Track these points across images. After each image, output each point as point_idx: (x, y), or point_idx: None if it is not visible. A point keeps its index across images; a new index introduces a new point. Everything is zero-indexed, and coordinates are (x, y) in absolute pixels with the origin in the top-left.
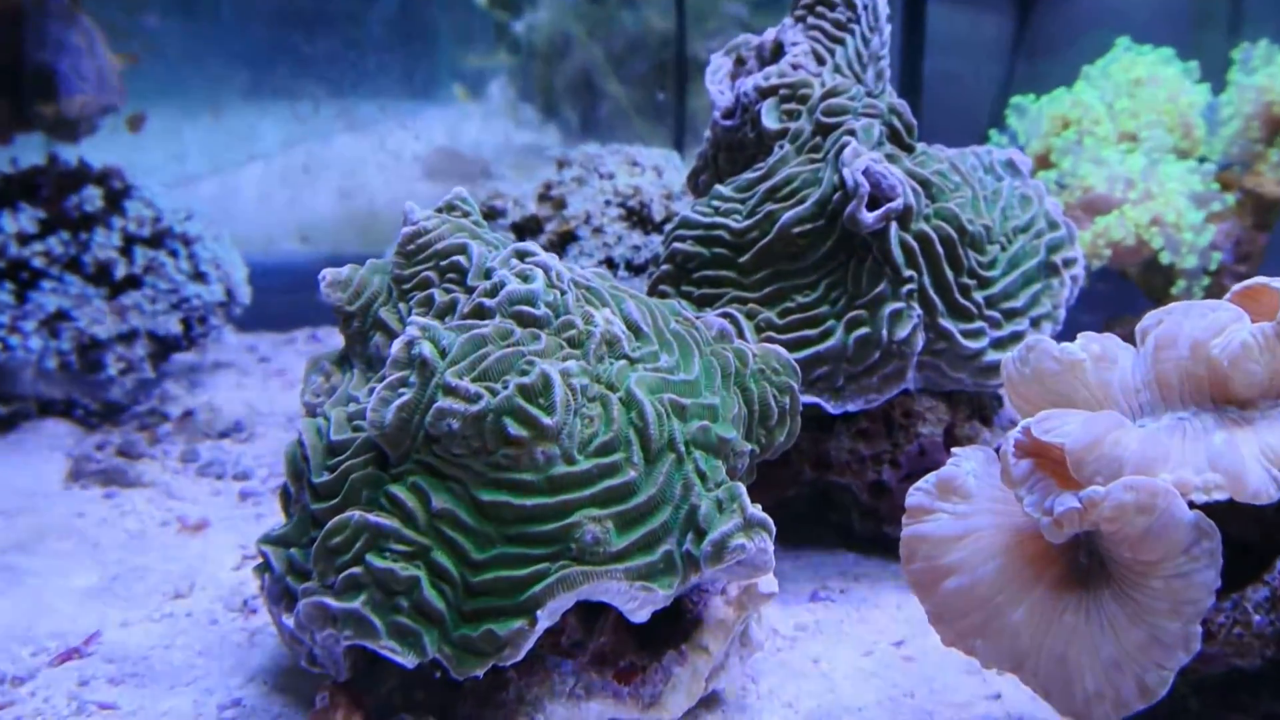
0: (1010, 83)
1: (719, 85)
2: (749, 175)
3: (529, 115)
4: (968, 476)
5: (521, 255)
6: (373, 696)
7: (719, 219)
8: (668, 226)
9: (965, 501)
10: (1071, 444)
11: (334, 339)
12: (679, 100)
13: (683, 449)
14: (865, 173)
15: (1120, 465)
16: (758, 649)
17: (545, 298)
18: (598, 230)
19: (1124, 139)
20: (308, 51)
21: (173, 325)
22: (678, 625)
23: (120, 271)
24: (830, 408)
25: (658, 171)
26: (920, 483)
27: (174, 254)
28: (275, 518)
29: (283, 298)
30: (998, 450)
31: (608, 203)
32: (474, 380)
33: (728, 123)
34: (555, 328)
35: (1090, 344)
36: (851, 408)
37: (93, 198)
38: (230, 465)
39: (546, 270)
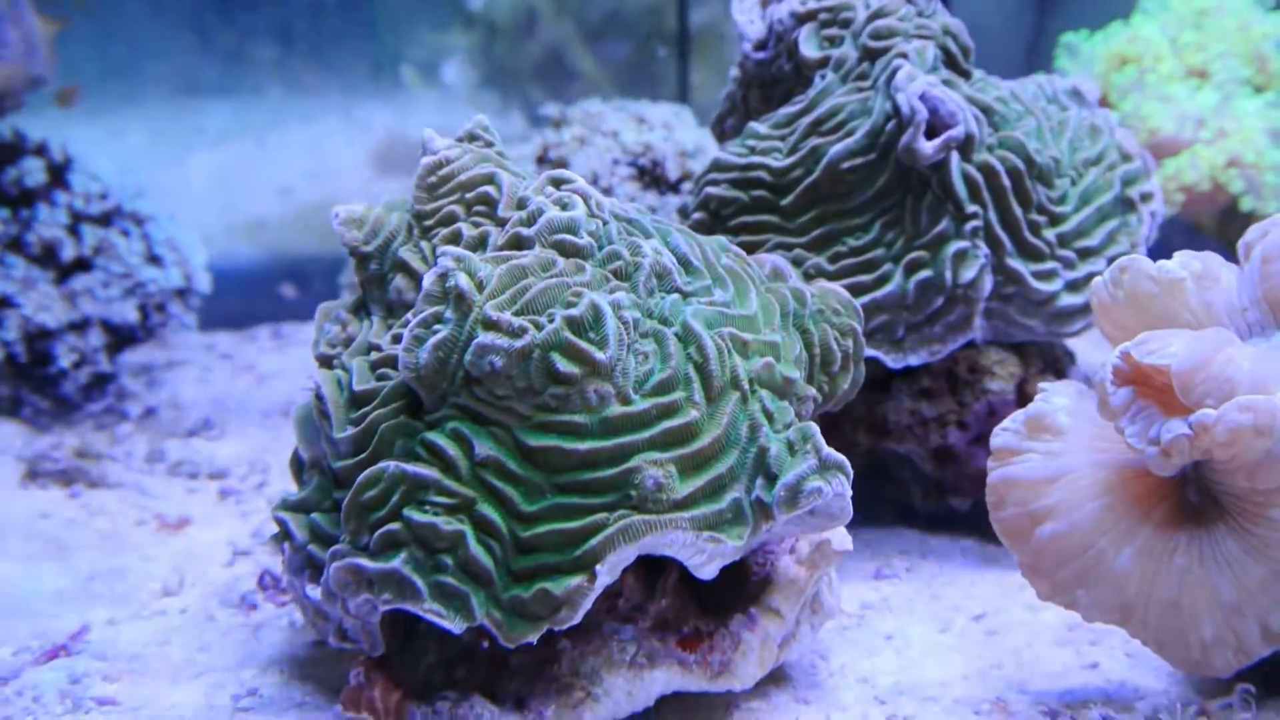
0: (1041, 28)
1: (748, 14)
2: (788, 109)
3: (490, 100)
4: (1058, 413)
5: (558, 182)
6: (410, 673)
7: (756, 158)
8: (697, 170)
9: (1058, 439)
10: (1178, 365)
11: (300, 335)
12: (681, 62)
13: (747, 387)
14: (922, 98)
15: (1232, 386)
16: (830, 616)
17: (588, 226)
18: (607, 191)
19: (1191, 75)
20: (242, 36)
21: (129, 313)
22: (742, 588)
23: (68, 253)
24: (890, 361)
25: (668, 128)
26: (1006, 422)
27: (125, 234)
28: (261, 515)
29: (231, 297)
30: (1088, 383)
31: (616, 162)
32: (516, 314)
33: (760, 55)
34: (600, 258)
35: (1190, 261)
36: (913, 361)
37: (34, 170)
38: (204, 464)
39: (586, 198)
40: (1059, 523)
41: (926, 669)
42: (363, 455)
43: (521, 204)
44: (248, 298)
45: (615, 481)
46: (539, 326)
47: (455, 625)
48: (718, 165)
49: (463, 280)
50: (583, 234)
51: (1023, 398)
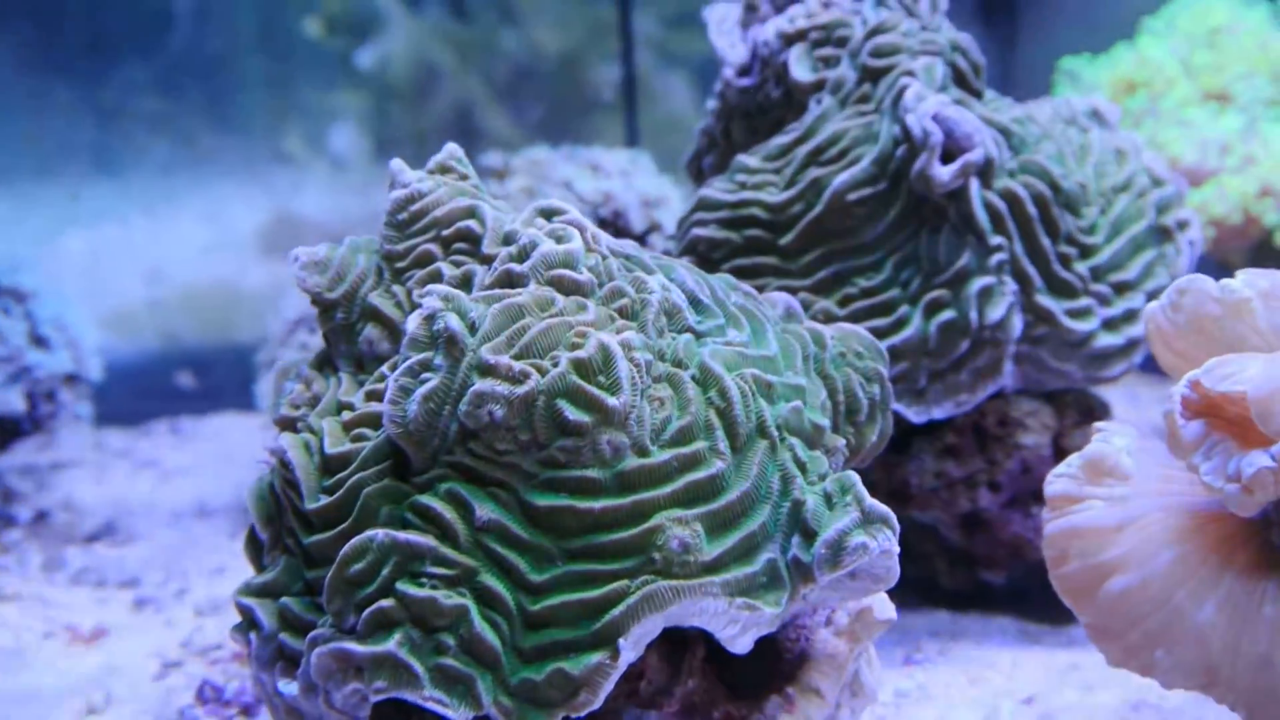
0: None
1: (728, 37)
2: (781, 139)
3: (385, 171)
4: (1120, 453)
5: (548, 214)
6: None
7: (749, 194)
8: (664, 220)
9: (1122, 483)
10: (1255, 391)
11: (202, 429)
12: (628, 107)
13: (775, 434)
14: (935, 118)
15: None
16: (871, 699)
17: (586, 261)
18: None
19: (1209, 98)
20: (102, 108)
21: (14, 402)
22: (775, 667)
23: None
24: (912, 415)
25: (625, 175)
26: (1061, 467)
27: (5, 312)
28: (188, 624)
29: (115, 391)
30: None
31: None
32: (516, 358)
33: (744, 81)
34: (602, 296)
35: (1256, 279)
36: (938, 414)
37: None
38: (111, 571)
39: (582, 230)
40: (1130, 576)
41: None
42: (343, 526)
43: (509, 239)
44: (133, 391)
45: (636, 544)
46: (542, 371)
47: (460, 715)
48: (705, 204)
49: (453, 321)
50: (582, 269)
51: (1059, 453)
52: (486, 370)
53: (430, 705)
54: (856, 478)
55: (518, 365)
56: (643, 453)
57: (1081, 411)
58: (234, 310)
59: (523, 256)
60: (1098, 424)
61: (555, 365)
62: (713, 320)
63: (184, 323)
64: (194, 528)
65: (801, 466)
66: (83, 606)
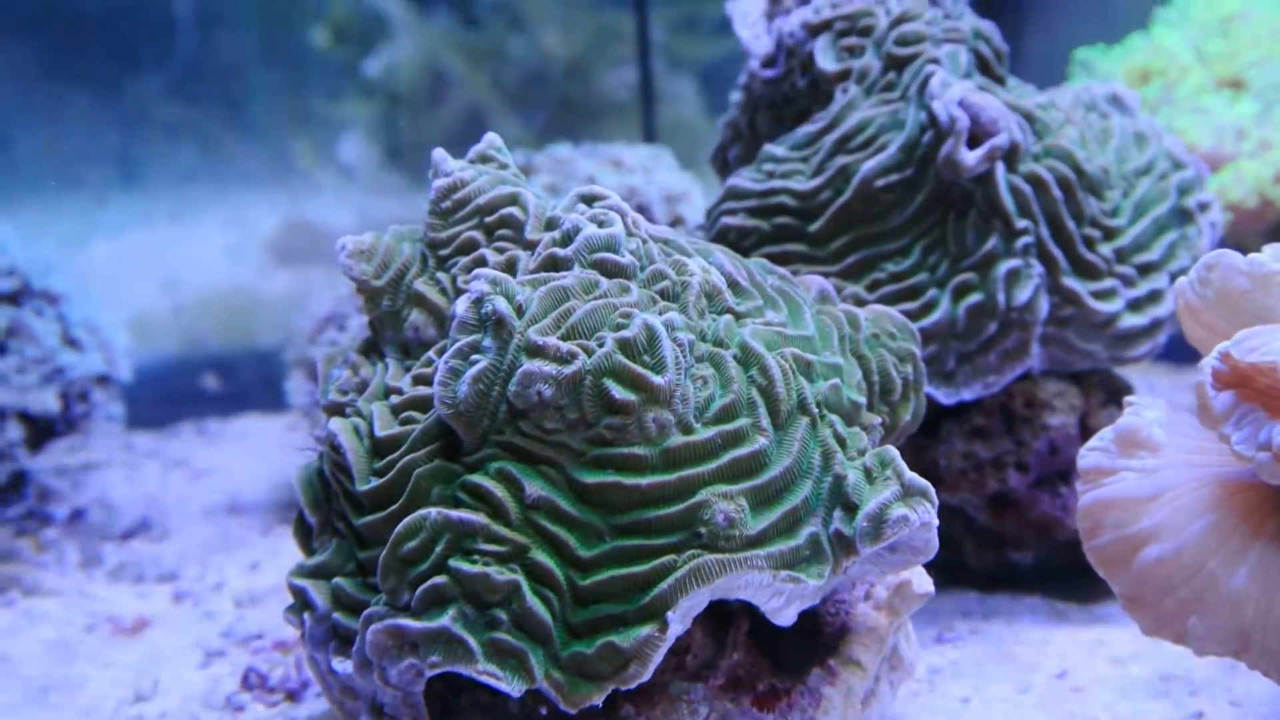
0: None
1: (753, 29)
2: (808, 129)
3: (396, 180)
4: (1152, 426)
5: (590, 199)
6: None
7: (778, 182)
8: (687, 215)
9: (1153, 455)
10: None
11: (227, 430)
12: (646, 106)
13: (816, 411)
14: (961, 104)
15: None
16: (909, 673)
17: (628, 245)
18: None
19: (1224, 85)
20: (117, 118)
21: (49, 402)
22: (816, 640)
23: None
24: (942, 397)
25: (647, 171)
26: (1093, 441)
27: (39, 314)
28: (228, 615)
29: (139, 395)
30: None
31: None
32: (562, 339)
33: (769, 72)
34: (644, 279)
35: None
36: (968, 395)
37: None
38: (149, 567)
39: (623, 215)
40: (1164, 545)
41: None
42: (394, 507)
43: (551, 224)
44: (156, 396)
45: (682, 519)
46: (589, 351)
47: (514, 688)
48: (733, 193)
49: (501, 304)
50: (624, 252)
51: (1086, 433)
52: (535, 351)
53: (484, 679)
54: (895, 452)
55: (565, 346)
56: (687, 430)
57: (1107, 392)
58: (250, 316)
59: (566, 241)
60: (1128, 398)
61: (601, 345)
62: (751, 302)
63: (202, 329)
64: (227, 524)
65: (841, 442)
66: (123, 600)
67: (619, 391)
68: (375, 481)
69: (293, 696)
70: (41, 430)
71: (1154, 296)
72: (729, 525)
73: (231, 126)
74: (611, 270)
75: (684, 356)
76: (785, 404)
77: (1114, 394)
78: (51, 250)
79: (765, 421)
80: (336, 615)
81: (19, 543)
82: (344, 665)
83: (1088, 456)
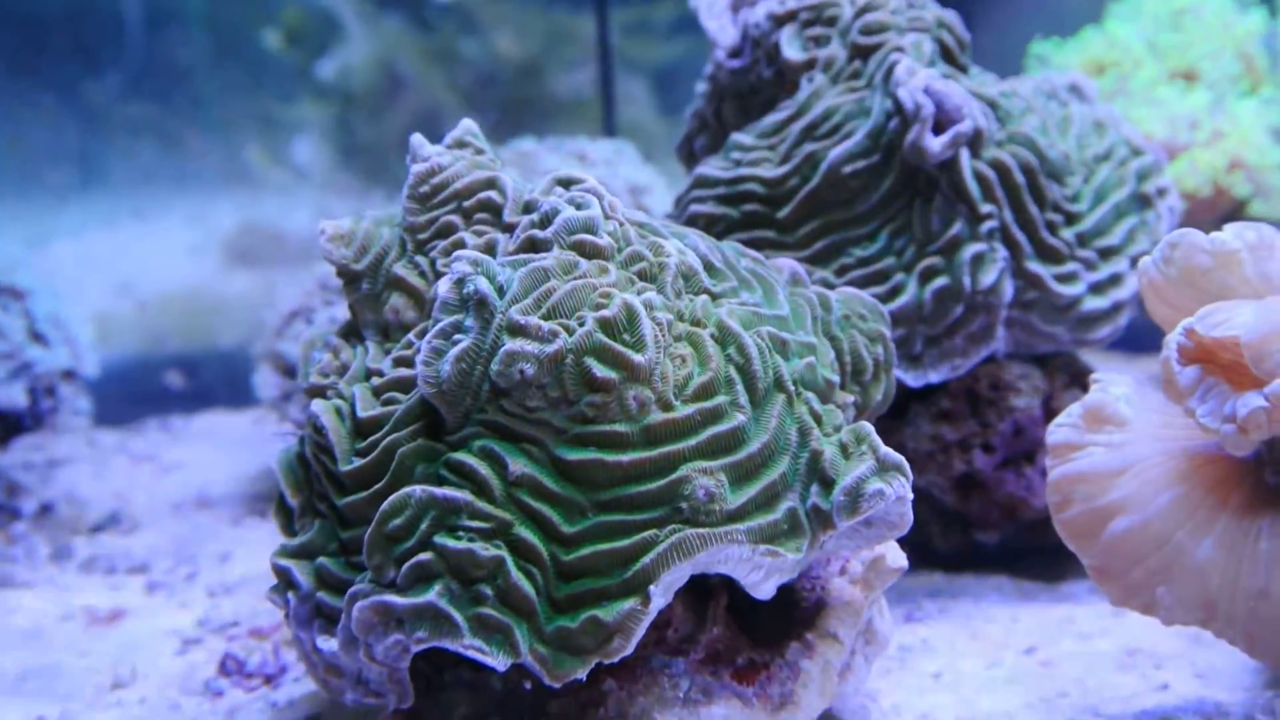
0: None
1: (719, 20)
2: (775, 117)
3: (350, 180)
4: (1119, 401)
5: (566, 183)
6: None
7: (745, 170)
8: (652, 207)
9: (1120, 430)
10: (1248, 335)
11: (190, 427)
12: (606, 103)
13: (792, 389)
14: (926, 91)
15: None
16: (884, 646)
17: (606, 226)
18: None
19: (1177, 77)
20: (67, 118)
21: (17, 396)
22: (792, 615)
23: None
24: (910, 380)
25: (611, 165)
26: (1061, 417)
27: (4, 309)
28: (202, 605)
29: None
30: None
31: None
32: (543, 318)
33: (735, 63)
34: (622, 260)
35: (1244, 232)
36: (934, 378)
37: None
38: (120, 559)
39: (599, 198)
40: (1131, 517)
41: (986, 703)
42: (378, 486)
43: (529, 207)
44: (116, 394)
45: (663, 494)
46: (570, 330)
47: (499, 662)
48: (702, 181)
49: (483, 285)
50: (602, 234)
51: (1049, 415)
52: (517, 330)
53: (470, 653)
54: (870, 428)
55: (547, 325)
56: (667, 407)
57: (1070, 375)
58: (209, 316)
59: (545, 223)
60: (1095, 375)
61: (582, 325)
62: (726, 283)
63: (162, 328)
64: (196, 517)
65: (817, 419)
66: (96, 591)
67: (600, 370)
68: (358, 462)
69: (270, 681)
70: (9, 425)
71: (1115, 280)
72: (709, 500)
73: (186, 128)
74: (590, 251)
75: (663, 335)
76: (762, 381)
77: (1077, 376)
78: (14, 247)
79: (743, 399)
80: (321, 594)
81: None
82: (329, 643)
83: (1056, 432)
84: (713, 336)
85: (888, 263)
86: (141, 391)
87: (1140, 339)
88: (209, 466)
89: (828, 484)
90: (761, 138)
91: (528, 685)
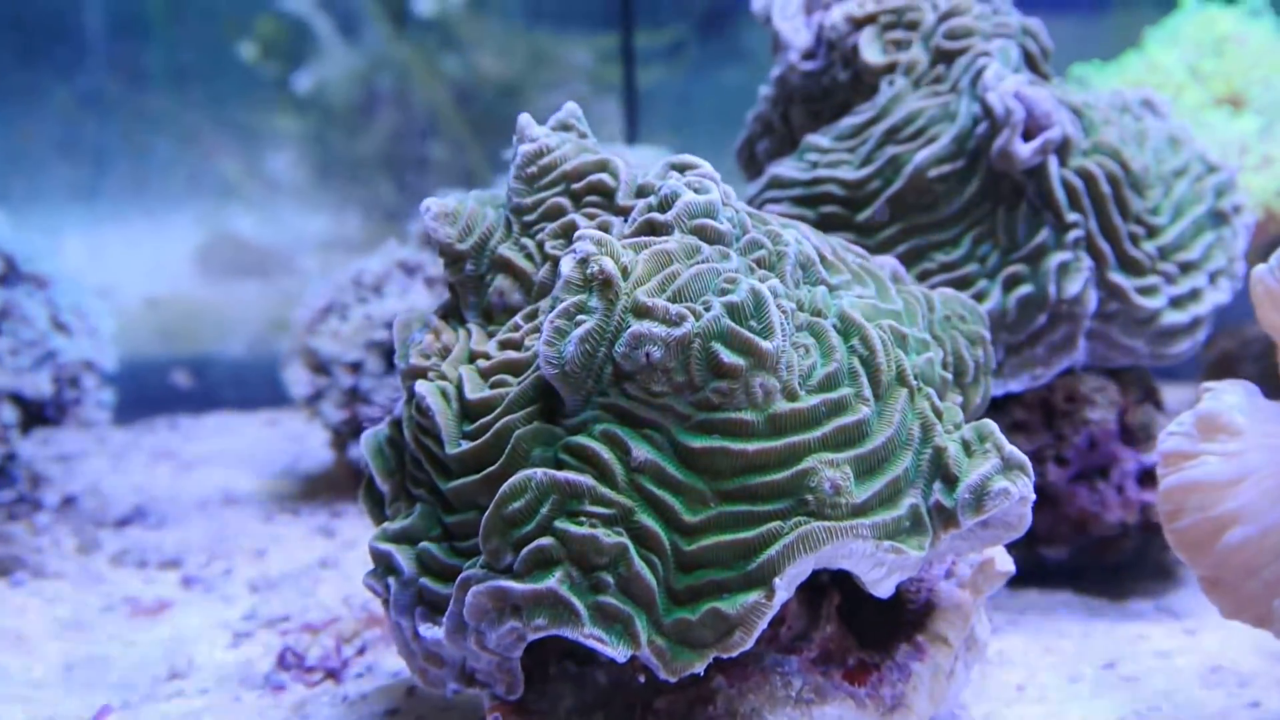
0: None
1: (791, 20)
2: (853, 120)
3: (324, 196)
4: (1233, 410)
5: (681, 167)
6: (548, 719)
7: (823, 172)
8: (750, 193)
9: (1234, 439)
10: None
11: (200, 428)
12: (629, 116)
13: (914, 383)
14: (1017, 97)
15: None
16: (983, 654)
17: (725, 213)
18: None
19: (1222, 102)
20: (39, 131)
21: (43, 385)
22: (899, 617)
23: None
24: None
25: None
26: (1172, 425)
27: (29, 297)
28: (245, 600)
29: None
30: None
31: None
32: (668, 302)
33: (809, 65)
34: (741, 246)
35: None
36: (1015, 387)
37: None
38: (152, 553)
39: (716, 183)
40: (1248, 528)
41: (1076, 715)
42: (491, 470)
43: (643, 191)
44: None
45: (788, 486)
46: (697, 315)
47: (619, 653)
48: (777, 182)
49: (608, 264)
50: (722, 219)
51: (1125, 429)
52: (643, 312)
53: (590, 643)
54: (994, 426)
55: (674, 308)
56: (792, 396)
57: (1143, 389)
58: (188, 322)
59: (665, 206)
60: (1206, 383)
61: (709, 309)
62: (840, 276)
63: (139, 337)
64: (224, 514)
65: (939, 414)
66: (131, 585)
67: (727, 355)
68: (466, 445)
69: (334, 675)
70: (31, 414)
71: (1195, 295)
72: (835, 493)
73: (156, 141)
74: (712, 236)
75: (787, 324)
76: (885, 374)
77: (1149, 392)
78: (39, 236)
79: (867, 391)
80: (424, 580)
81: (12, 527)
82: (432, 631)
83: (1169, 440)
84: (835, 327)
85: (971, 269)
86: (147, 391)
87: (1175, 369)
88: (230, 464)
89: (951, 481)
90: (839, 140)
91: (641, 679)
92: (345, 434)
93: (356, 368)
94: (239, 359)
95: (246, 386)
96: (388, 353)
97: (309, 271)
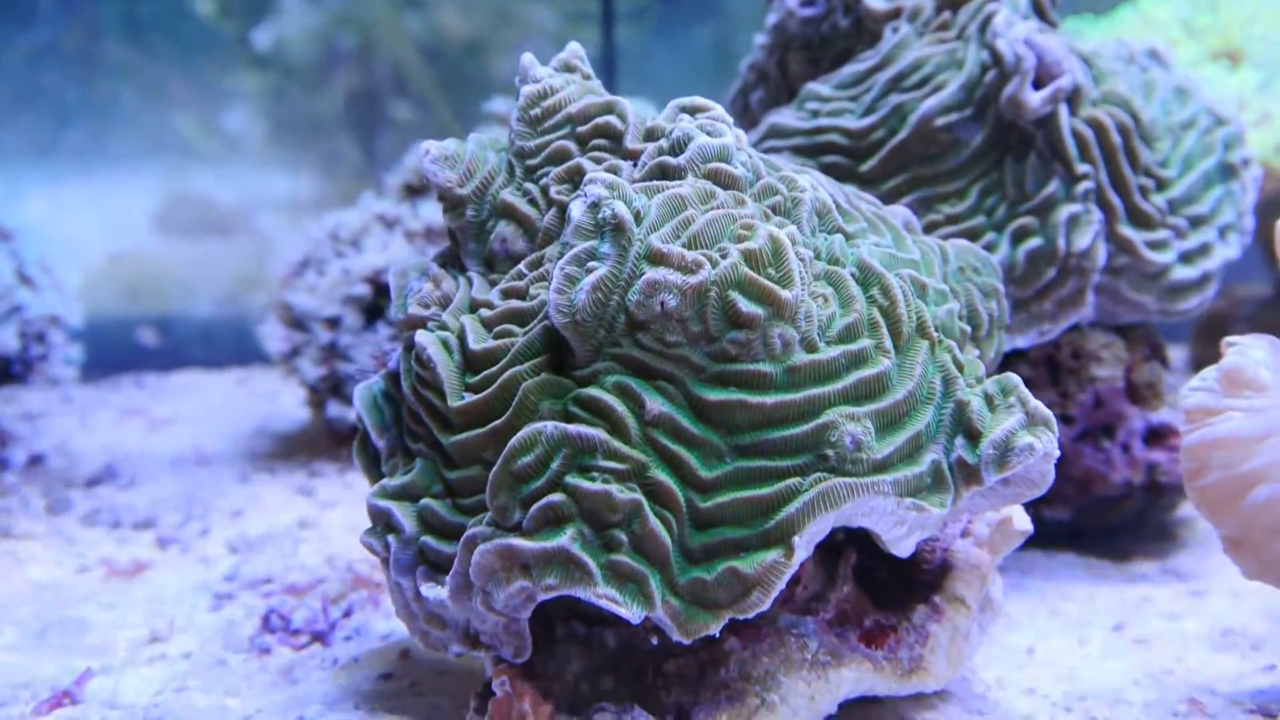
0: None
1: None
2: (855, 67)
3: (286, 155)
4: (1259, 366)
5: (693, 110)
6: (556, 684)
7: (825, 120)
8: (750, 138)
9: (1260, 395)
10: None
11: (166, 386)
12: (608, 75)
13: (935, 335)
14: (1027, 44)
15: None
16: (997, 615)
17: (739, 157)
18: None
19: (1218, 57)
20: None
21: (9, 340)
22: (915, 577)
23: None
24: None
25: None
26: (1195, 380)
27: None
28: (225, 561)
29: None
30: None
31: None
32: (684, 248)
33: (808, 11)
34: (755, 192)
35: None
36: (1022, 343)
37: None
38: (124, 513)
39: (729, 127)
40: (1273, 485)
41: (1090, 678)
42: (497, 423)
43: (653, 134)
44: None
45: (808, 440)
46: (714, 262)
47: (633, 614)
48: (776, 131)
49: (620, 208)
50: (737, 163)
51: (1132, 387)
52: (658, 258)
53: (602, 603)
54: (1018, 379)
55: (690, 254)
56: (812, 348)
57: (1150, 346)
58: (147, 282)
59: (677, 149)
60: (1229, 338)
61: (726, 256)
62: (856, 224)
63: (103, 295)
64: (196, 473)
65: (960, 368)
66: (105, 545)
67: (745, 304)
68: (470, 397)
69: (321, 639)
70: None
71: (1204, 249)
72: (857, 448)
73: (119, 92)
74: (726, 181)
75: (805, 272)
76: (906, 326)
77: (1156, 349)
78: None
79: (888, 343)
80: (426, 539)
81: None
82: (434, 592)
83: (1193, 395)
84: (854, 276)
85: (978, 221)
86: (112, 349)
87: (1165, 328)
88: (200, 423)
89: (974, 437)
90: (841, 88)
91: (654, 641)
92: (323, 391)
93: (334, 323)
94: (206, 317)
95: (214, 345)
96: (367, 308)
97: (270, 231)
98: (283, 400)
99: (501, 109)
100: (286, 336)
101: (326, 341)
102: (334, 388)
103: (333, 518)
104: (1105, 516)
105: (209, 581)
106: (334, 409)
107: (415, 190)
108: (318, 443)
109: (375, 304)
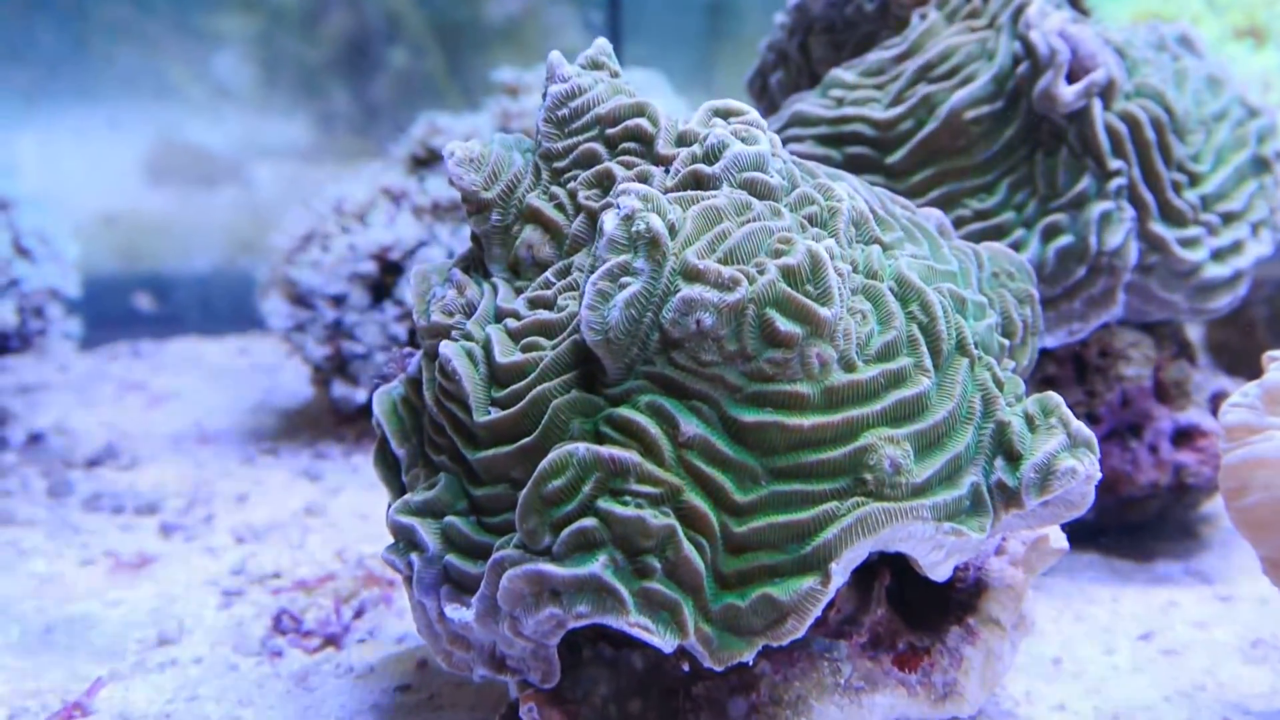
0: None
1: None
2: (881, 54)
3: (277, 101)
4: None
5: (726, 113)
6: (583, 709)
7: (850, 109)
8: (771, 124)
9: None
10: None
11: (164, 354)
12: (612, 32)
13: (975, 352)
14: (1061, 36)
15: None
16: (1029, 632)
17: (774, 165)
18: None
19: (1242, 35)
20: None
21: (6, 315)
22: (947, 597)
23: None
24: None
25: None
26: (1236, 396)
27: None
28: (232, 552)
29: None
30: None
31: None
32: (719, 264)
33: None
34: (791, 201)
35: None
36: (1050, 343)
37: None
38: (127, 497)
39: (764, 132)
40: None
41: (1120, 693)
42: (526, 441)
43: (685, 139)
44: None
45: (845, 463)
46: (751, 279)
47: (666, 643)
48: (800, 119)
49: (655, 222)
50: (773, 172)
51: (1160, 386)
52: (694, 275)
53: (635, 632)
54: (1060, 399)
55: (727, 271)
56: (850, 367)
57: (1178, 344)
58: (142, 240)
59: (712, 158)
60: (1270, 353)
61: (763, 273)
62: (892, 233)
63: (97, 256)
64: (199, 453)
65: (1000, 386)
66: (108, 533)
67: (783, 323)
68: (497, 413)
69: (334, 642)
70: None
71: (1237, 247)
72: (896, 472)
73: (99, 43)
74: (762, 191)
75: (844, 288)
76: (946, 343)
77: (1184, 347)
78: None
79: (927, 361)
80: (450, 558)
81: None
82: (459, 613)
83: (1233, 412)
84: (893, 291)
85: (1007, 217)
86: (107, 314)
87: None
88: (202, 396)
89: (1015, 459)
90: (867, 75)
91: (686, 668)
92: (328, 370)
93: (340, 301)
94: (203, 277)
95: (212, 309)
96: (373, 286)
97: (265, 183)
98: (283, 374)
99: (509, 79)
100: (290, 313)
101: (331, 320)
102: (339, 367)
103: (340, 505)
104: (1126, 514)
105: (216, 575)
106: (339, 388)
107: (422, 162)
108: (321, 421)
109: (382, 281)
